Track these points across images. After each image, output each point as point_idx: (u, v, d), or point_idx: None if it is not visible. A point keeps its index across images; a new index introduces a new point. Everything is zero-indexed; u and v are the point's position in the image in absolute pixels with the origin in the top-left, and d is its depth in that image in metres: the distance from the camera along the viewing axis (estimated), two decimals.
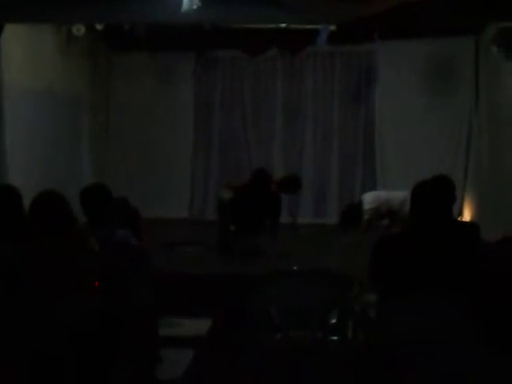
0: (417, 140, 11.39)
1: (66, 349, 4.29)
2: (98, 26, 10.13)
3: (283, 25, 9.02)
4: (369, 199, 9.46)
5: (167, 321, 6.61)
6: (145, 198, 10.43)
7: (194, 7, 6.50)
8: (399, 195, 8.89)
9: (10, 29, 8.13)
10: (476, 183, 10.79)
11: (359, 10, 7.20)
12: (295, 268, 6.50)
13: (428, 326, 3.63)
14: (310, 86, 12.32)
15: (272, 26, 9.16)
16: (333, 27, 9.41)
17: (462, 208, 10.95)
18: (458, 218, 10.49)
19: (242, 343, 5.56)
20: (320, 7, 7.43)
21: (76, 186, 5.81)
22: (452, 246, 4.37)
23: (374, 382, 3.28)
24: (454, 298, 4.04)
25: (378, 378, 3.42)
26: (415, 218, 4.43)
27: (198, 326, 6.87)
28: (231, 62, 12.53)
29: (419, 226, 4.38)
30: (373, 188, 11.79)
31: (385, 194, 9.56)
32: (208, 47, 11.98)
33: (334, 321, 5.31)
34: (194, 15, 6.71)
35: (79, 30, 10.19)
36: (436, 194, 4.41)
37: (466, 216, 10.83)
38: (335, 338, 5.27)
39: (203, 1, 6.54)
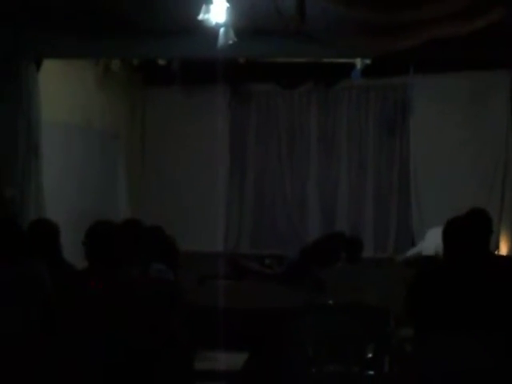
0: (452, 173, 11.31)
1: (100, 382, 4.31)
2: (135, 61, 10.26)
3: (318, 59, 9.05)
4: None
5: (202, 355, 6.60)
6: (180, 231, 10.45)
7: (230, 42, 6.55)
8: (430, 245, 8.92)
9: (47, 63, 8.25)
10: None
11: (392, 43, 7.22)
12: (331, 301, 6.45)
13: (464, 368, 3.59)
14: (345, 119, 12.31)
15: (307, 59, 9.20)
16: (367, 61, 9.46)
17: (499, 241, 10.85)
18: (495, 252, 10.40)
19: (278, 377, 5.54)
20: (354, 41, 7.48)
21: (114, 220, 5.86)
22: (490, 280, 4.32)
23: None
24: (493, 337, 3.98)
25: None
26: (449, 253, 4.40)
27: (233, 360, 6.83)
28: (266, 96, 12.57)
29: (454, 261, 4.35)
30: (408, 220, 11.77)
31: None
32: (243, 81, 12.07)
33: (370, 355, 5.27)
34: (230, 50, 6.76)
35: (116, 64, 10.33)
36: (469, 229, 4.38)
37: (503, 250, 10.72)
38: (371, 372, 5.23)
39: (238, 36, 6.59)
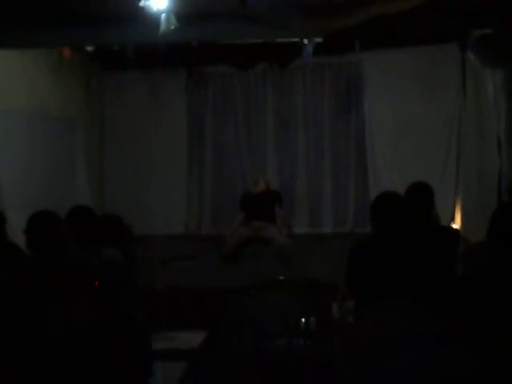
0: (407, 147, 11.46)
1: (55, 363, 4.42)
2: (88, 48, 10.26)
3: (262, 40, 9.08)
4: None
5: (164, 334, 6.74)
6: (141, 214, 10.59)
7: (172, 28, 6.59)
8: None
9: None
10: (465, 188, 10.85)
11: (334, 23, 7.32)
12: (281, 277, 6.61)
13: (394, 327, 3.75)
14: (301, 97, 12.39)
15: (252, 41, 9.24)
16: (318, 40, 9.52)
17: (454, 213, 11.03)
18: (451, 223, 10.58)
19: (229, 353, 5.69)
20: (301, 22, 7.56)
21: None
22: (421, 251, 4.48)
23: None
24: (423, 301, 4.16)
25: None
26: (376, 226, 4.56)
27: (194, 339, 6.98)
28: (222, 77, 12.62)
29: (383, 232, 4.51)
30: (366, 195, 11.88)
31: None
32: (198, 64, 12.13)
33: (315, 328, 5.43)
34: (173, 35, 6.79)
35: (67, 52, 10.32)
36: (394, 203, 4.54)
37: (458, 221, 10.89)
38: (316, 344, 5.38)
39: (181, 20, 6.63)
